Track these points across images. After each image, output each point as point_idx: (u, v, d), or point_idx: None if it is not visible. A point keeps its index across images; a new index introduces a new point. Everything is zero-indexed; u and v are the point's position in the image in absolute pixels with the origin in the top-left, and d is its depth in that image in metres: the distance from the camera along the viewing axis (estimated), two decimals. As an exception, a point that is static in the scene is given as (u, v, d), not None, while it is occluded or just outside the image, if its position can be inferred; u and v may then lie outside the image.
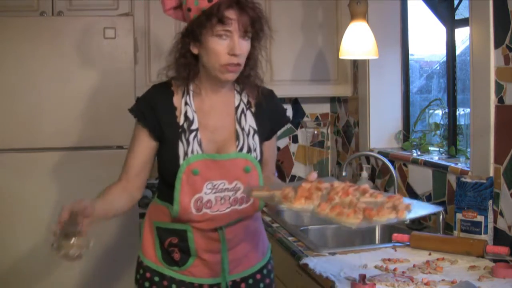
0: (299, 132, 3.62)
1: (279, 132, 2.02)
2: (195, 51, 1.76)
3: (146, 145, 1.82)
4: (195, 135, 1.77)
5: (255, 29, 1.74)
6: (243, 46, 1.73)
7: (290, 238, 2.35)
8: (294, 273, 2.15)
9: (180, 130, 1.77)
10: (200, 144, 1.77)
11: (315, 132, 3.59)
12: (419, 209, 1.58)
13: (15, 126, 2.69)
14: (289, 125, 3.58)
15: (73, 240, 1.48)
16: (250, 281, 1.91)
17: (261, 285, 1.93)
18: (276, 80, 3.15)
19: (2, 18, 2.68)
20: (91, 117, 2.71)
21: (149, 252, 1.88)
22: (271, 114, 1.92)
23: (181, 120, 1.78)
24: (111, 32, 2.73)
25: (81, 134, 2.71)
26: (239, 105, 1.85)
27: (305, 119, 3.60)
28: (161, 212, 1.87)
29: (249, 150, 1.82)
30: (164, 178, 1.84)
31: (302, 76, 3.23)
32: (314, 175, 1.67)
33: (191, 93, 1.80)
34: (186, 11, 1.74)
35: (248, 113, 1.86)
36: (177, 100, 1.81)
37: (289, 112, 3.44)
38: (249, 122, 1.85)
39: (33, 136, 2.70)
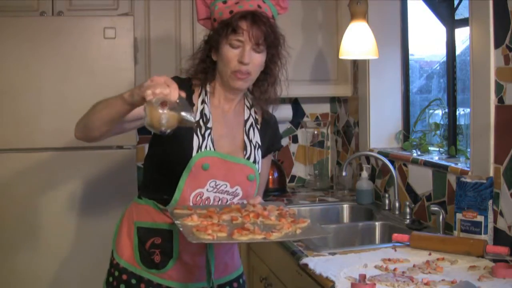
0: (299, 132, 3.62)
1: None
2: (214, 58, 1.84)
3: None
4: (210, 133, 1.82)
5: (268, 43, 1.81)
6: (254, 58, 1.79)
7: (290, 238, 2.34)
8: (294, 273, 2.14)
9: (195, 124, 1.80)
10: (213, 142, 1.81)
11: (315, 132, 3.59)
12: (311, 232, 1.67)
13: (15, 126, 2.68)
14: (289, 125, 3.59)
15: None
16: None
17: None
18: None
19: (2, 18, 2.68)
20: (91, 117, 2.71)
21: (126, 253, 1.87)
22: (271, 136, 2.00)
23: (197, 117, 1.82)
24: (111, 32, 2.73)
25: (81, 134, 2.71)
26: (248, 118, 1.93)
27: (305, 119, 3.60)
28: (144, 211, 1.87)
29: (254, 161, 1.89)
30: (164, 170, 1.84)
31: (302, 76, 3.22)
32: (257, 199, 1.81)
33: (208, 94, 1.86)
34: (212, 21, 1.85)
35: (255, 129, 1.93)
36: (196, 98, 1.86)
37: (289, 112, 3.44)
38: (256, 136, 1.92)
39: (33, 136, 2.70)
